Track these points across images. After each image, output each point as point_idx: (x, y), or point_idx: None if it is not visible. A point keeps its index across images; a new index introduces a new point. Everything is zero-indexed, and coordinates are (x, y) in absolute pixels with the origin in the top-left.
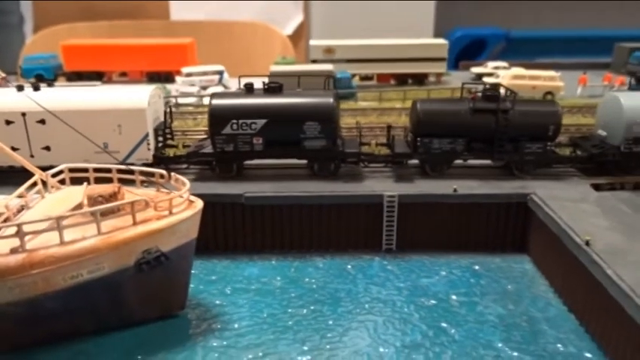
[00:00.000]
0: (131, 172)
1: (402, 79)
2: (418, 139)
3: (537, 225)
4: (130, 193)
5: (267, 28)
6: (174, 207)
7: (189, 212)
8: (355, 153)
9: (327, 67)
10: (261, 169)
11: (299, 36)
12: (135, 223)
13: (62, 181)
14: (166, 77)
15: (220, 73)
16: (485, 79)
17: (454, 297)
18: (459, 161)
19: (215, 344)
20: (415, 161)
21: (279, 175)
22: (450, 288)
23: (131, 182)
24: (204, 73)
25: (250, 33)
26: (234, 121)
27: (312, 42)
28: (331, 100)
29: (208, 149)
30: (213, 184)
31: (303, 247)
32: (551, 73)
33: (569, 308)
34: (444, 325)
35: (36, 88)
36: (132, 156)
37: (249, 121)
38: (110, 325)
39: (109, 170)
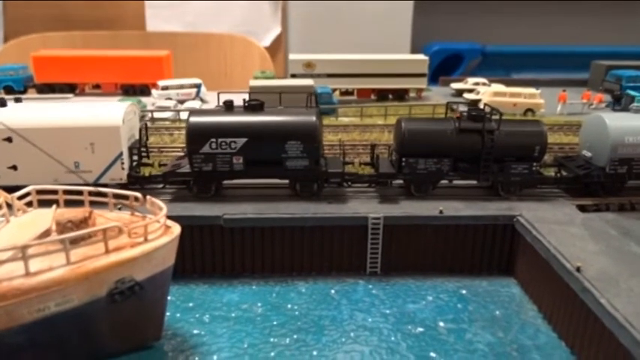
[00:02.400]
0: (104, 194)
1: (382, 95)
2: (403, 159)
3: (525, 248)
4: (102, 218)
5: (245, 41)
6: (150, 233)
7: (166, 239)
8: (339, 173)
9: (308, 81)
10: (241, 189)
11: (276, 48)
12: (107, 251)
13: (29, 204)
14: (142, 90)
15: (198, 86)
16: (466, 95)
17: (442, 324)
18: (443, 181)
19: None
20: (399, 181)
21: (259, 196)
22: (437, 314)
23: (104, 205)
24: (181, 87)
25: (228, 45)
26: (213, 139)
27: (292, 56)
28: (314, 118)
29: (186, 169)
30: (190, 205)
31: (284, 270)
32: (532, 90)
33: (559, 335)
34: (432, 354)
35: (2, 104)
36: (105, 176)
37: (228, 140)
38: None
39: (79, 192)
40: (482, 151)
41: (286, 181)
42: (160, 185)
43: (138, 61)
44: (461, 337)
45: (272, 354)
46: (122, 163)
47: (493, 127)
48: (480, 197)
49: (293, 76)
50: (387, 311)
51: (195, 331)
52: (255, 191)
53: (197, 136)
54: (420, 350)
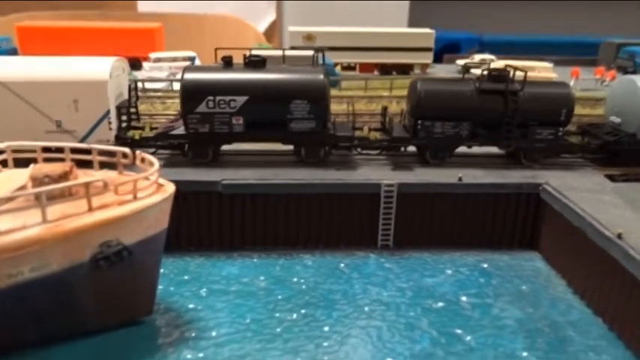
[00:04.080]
0: (88, 151)
1: (386, 70)
2: (419, 122)
3: (552, 218)
4: (86, 176)
5: (238, 22)
6: (140, 191)
7: (158, 197)
8: (348, 137)
9: (308, 53)
10: (240, 155)
11: (270, 35)
12: (90, 209)
13: (4, 163)
14: (133, 64)
15: (192, 59)
16: (474, 71)
17: (464, 298)
18: (460, 149)
19: (189, 356)
20: (413, 149)
21: (260, 162)
22: (458, 288)
23: (89, 165)
24: (174, 59)
25: (221, 26)
26: (211, 97)
27: (292, 28)
28: (321, 76)
29: (180, 130)
30: (184, 170)
31: (288, 242)
32: (545, 64)
33: (594, 311)
34: (457, 331)
35: None
36: (90, 136)
37: (227, 98)
38: (59, 336)
39: (61, 150)
40: (505, 114)
41: (290, 147)
42: (152, 150)
43: (129, 33)
44: (487, 313)
45: (278, 329)
46: (109, 123)
47: (517, 88)
48: (499, 165)
49: (292, 48)
50: (404, 285)
51: (191, 306)
52: (255, 158)
53: (193, 93)
54: (442, 326)
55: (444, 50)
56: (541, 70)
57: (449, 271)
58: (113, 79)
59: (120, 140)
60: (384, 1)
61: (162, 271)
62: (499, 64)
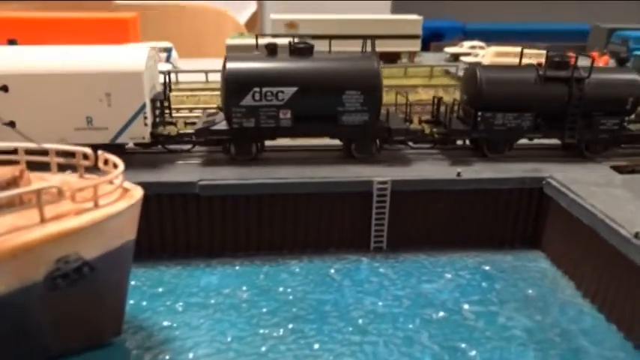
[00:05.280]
0: (44, 152)
1: None
2: (479, 113)
3: (557, 215)
4: (41, 181)
5: (218, 12)
6: (102, 197)
7: (123, 204)
8: (404, 130)
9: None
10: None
11: (252, 26)
12: (43, 221)
13: None
14: None
15: (168, 50)
16: (464, 59)
17: (467, 307)
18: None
19: None
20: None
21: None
22: (459, 295)
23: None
24: None
25: (201, 17)
26: (257, 89)
27: (274, 16)
28: (375, 64)
29: (222, 125)
30: (161, 170)
31: (274, 247)
32: (539, 51)
33: (607, 317)
34: (461, 345)
35: None
36: (124, 134)
37: (275, 90)
38: None
39: (13, 151)
40: (570, 103)
41: (337, 142)
42: (187, 147)
43: (102, 24)
44: (492, 322)
45: (263, 348)
46: (145, 118)
47: (583, 76)
48: (497, 159)
49: (274, 37)
50: (400, 292)
51: (166, 323)
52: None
53: (238, 85)
54: (444, 339)
55: (428, 40)
56: (532, 56)
57: (448, 275)
58: (148, 70)
59: (154, 137)
60: None
61: (132, 283)
62: (489, 50)
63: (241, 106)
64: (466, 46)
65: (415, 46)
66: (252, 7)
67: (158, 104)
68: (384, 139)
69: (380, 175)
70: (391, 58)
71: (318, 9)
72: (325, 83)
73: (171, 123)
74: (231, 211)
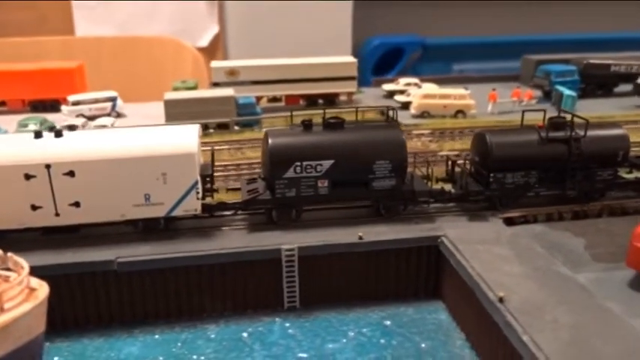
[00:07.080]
0: None
1: (312, 100)
2: (491, 174)
3: (450, 272)
4: None
5: (176, 44)
6: (7, 301)
7: (29, 305)
8: (427, 192)
9: (228, 91)
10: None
11: (215, 47)
12: None
13: None
14: (52, 105)
15: (113, 99)
16: (397, 98)
17: None
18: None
19: None
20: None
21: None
22: (357, 355)
23: None
24: (96, 101)
25: (158, 49)
26: (298, 163)
27: (214, 64)
28: (401, 135)
29: (266, 195)
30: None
31: (193, 312)
32: (461, 91)
33: None
34: None
35: (57, 134)
36: (178, 207)
37: (314, 163)
38: None
39: None
40: (570, 160)
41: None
42: (229, 212)
43: (46, 75)
44: None
45: None
46: (197, 192)
47: (580, 135)
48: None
49: (215, 84)
50: (304, 355)
51: None
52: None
53: (281, 159)
54: None
55: (388, 55)
56: (456, 97)
57: (351, 334)
58: (197, 149)
59: (203, 207)
60: (327, 1)
61: (55, 359)
62: (417, 93)
63: (284, 178)
64: (402, 83)
65: (352, 87)
66: (214, 29)
67: (208, 178)
68: (409, 199)
69: (288, 242)
70: (329, 98)
71: (279, 29)
72: (358, 154)
73: (214, 190)
74: (150, 283)
